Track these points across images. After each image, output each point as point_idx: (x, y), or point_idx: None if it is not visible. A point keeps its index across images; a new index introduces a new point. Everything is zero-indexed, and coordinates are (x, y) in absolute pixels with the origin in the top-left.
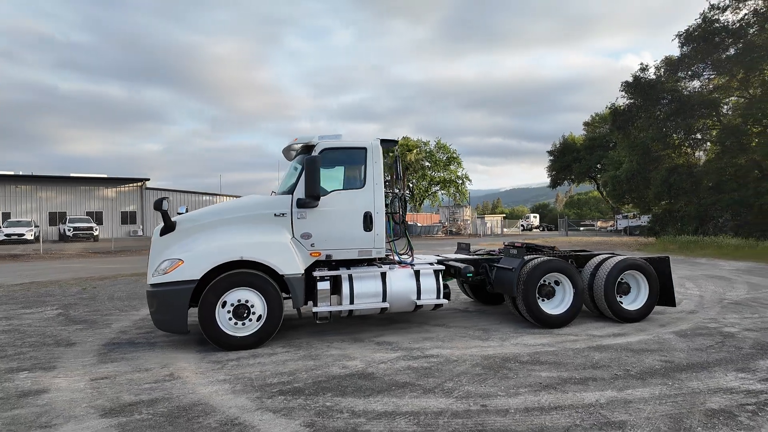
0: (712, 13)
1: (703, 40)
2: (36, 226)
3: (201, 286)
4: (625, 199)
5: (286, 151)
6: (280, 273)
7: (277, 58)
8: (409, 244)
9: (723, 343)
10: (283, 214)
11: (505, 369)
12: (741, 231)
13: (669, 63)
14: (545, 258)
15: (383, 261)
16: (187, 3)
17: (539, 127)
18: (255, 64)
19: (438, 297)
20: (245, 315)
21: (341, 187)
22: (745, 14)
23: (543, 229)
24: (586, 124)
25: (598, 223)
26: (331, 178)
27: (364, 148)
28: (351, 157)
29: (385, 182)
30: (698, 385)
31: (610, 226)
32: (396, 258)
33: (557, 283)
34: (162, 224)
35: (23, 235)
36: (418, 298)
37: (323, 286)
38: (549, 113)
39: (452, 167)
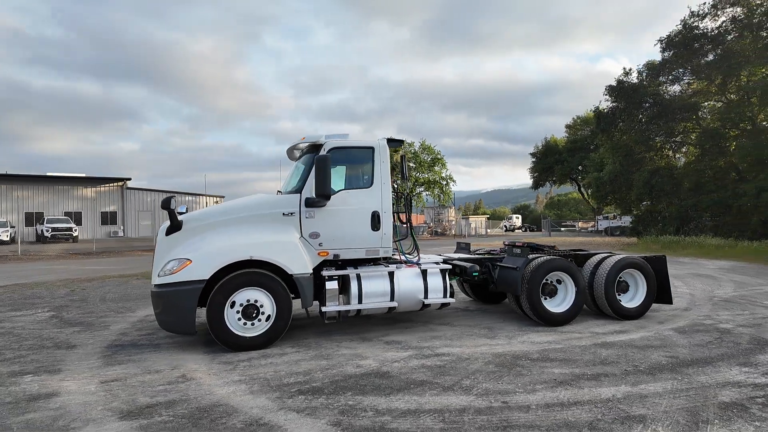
0: (692, 20)
1: (683, 45)
2: (12, 227)
3: (206, 286)
4: (608, 200)
5: (290, 151)
6: (290, 273)
7: (257, 57)
8: (414, 244)
9: (721, 339)
10: (291, 214)
11: (518, 366)
12: (720, 231)
13: (651, 67)
14: (549, 257)
15: (387, 260)
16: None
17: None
18: (235, 62)
19: (445, 296)
20: (254, 315)
21: (348, 187)
22: (723, 21)
23: (525, 230)
24: (567, 126)
25: (579, 224)
26: (338, 177)
27: (372, 148)
28: (358, 157)
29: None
30: (706, 380)
31: (591, 226)
32: (403, 257)
33: (559, 281)
34: (168, 223)
35: None
36: (426, 297)
37: (332, 285)
38: (529, 116)
39: (436, 168)
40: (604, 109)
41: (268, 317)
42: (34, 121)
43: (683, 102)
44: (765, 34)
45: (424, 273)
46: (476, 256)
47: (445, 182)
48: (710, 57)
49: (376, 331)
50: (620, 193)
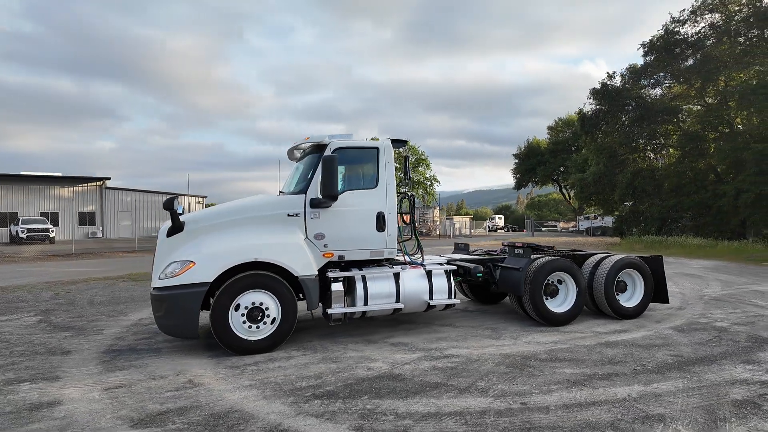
0: (673, 25)
1: (665, 50)
2: None
3: (208, 289)
4: (592, 200)
5: (291, 152)
6: (296, 274)
7: (238, 55)
8: (418, 245)
9: (720, 338)
10: (296, 215)
11: (529, 367)
12: (701, 231)
13: (633, 71)
14: (551, 258)
15: (390, 261)
16: None
17: (501, 130)
18: (215, 60)
19: (450, 297)
20: (259, 318)
21: (352, 188)
22: (702, 27)
23: (507, 230)
24: (549, 128)
25: (560, 224)
26: (342, 178)
27: (377, 148)
28: (363, 157)
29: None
30: (715, 378)
31: (572, 226)
32: (407, 258)
33: (560, 282)
34: (169, 224)
35: None
36: (431, 298)
37: (338, 287)
38: (510, 117)
39: (420, 169)
40: (588, 112)
41: (273, 320)
42: (7, 118)
43: (664, 105)
44: (742, 40)
45: (428, 274)
46: (476, 256)
47: (429, 183)
48: (690, 62)
49: (380, 333)
50: (604, 193)
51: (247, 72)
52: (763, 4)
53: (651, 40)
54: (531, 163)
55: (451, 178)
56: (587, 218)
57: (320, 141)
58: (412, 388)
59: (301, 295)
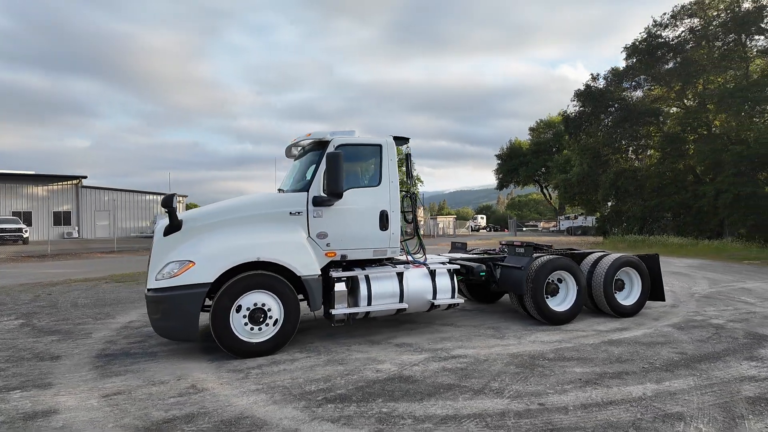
0: (655, 29)
1: (647, 53)
2: None
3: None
4: (576, 200)
5: (290, 149)
6: (299, 274)
7: (217, 52)
8: (420, 244)
9: (719, 335)
10: (298, 213)
11: (539, 367)
12: (682, 230)
13: (615, 74)
14: (552, 256)
15: (392, 261)
16: None
17: (482, 131)
18: (193, 57)
19: (453, 296)
20: (262, 319)
21: (354, 185)
22: (683, 32)
23: (490, 230)
24: (531, 129)
25: (541, 224)
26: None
27: (380, 145)
28: (365, 155)
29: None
30: (723, 375)
31: (553, 226)
32: (409, 258)
33: (560, 280)
34: (166, 223)
35: None
36: (434, 297)
37: (341, 287)
38: (490, 118)
39: (404, 169)
40: (572, 113)
41: (276, 321)
42: None
43: (646, 107)
44: (720, 44)
45: (432, 273)
46: (475, 255)
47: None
48: (670, 65)
49: (382, 334)
50: (588, 193)
51: (228, 70)
52: (742, 10)
53: (633, 43)
54: (513, 164)
55: (433, 179)
56: (568, 218)
57: (322, 137)
58: (425, 390)
59: (301, 295)
